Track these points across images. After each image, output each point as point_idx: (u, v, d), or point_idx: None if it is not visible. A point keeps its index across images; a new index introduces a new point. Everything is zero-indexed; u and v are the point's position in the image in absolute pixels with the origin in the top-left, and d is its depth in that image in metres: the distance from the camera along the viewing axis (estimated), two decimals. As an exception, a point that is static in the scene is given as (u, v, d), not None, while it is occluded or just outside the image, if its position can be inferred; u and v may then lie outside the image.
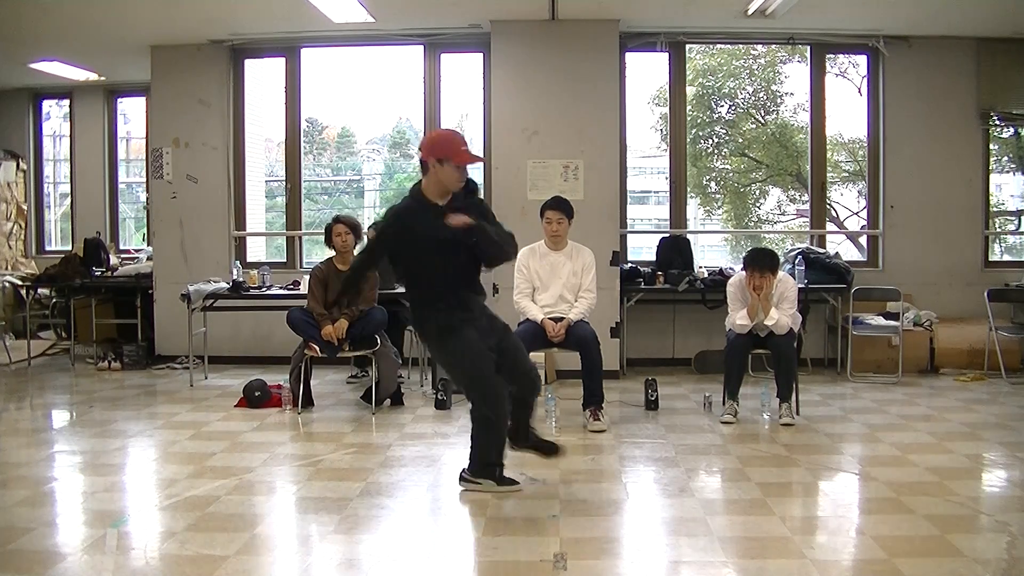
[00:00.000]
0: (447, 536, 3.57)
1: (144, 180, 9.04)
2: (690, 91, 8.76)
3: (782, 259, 6.83)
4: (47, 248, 9.60)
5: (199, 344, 6.94)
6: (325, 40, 7.72)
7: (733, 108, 10.55)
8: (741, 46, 9.75)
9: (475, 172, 8.72)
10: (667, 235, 7.53)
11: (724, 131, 10.60)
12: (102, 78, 8.64)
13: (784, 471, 4.39)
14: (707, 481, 4.32)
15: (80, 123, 9.26)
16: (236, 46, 7.66)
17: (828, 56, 7.84)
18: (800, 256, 7.04)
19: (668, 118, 7.88)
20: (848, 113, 9.58)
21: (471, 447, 4.02)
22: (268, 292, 6.80)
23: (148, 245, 8.60)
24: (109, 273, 8.00)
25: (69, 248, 8.92)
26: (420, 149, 3.93)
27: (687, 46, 7.80)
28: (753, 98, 10.59)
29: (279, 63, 7.89)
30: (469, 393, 4.04)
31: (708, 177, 10.67)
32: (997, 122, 7.59)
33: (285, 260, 7.99)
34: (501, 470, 4.01)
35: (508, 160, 7.00)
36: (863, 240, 8.19)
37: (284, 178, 8.02)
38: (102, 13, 6.64)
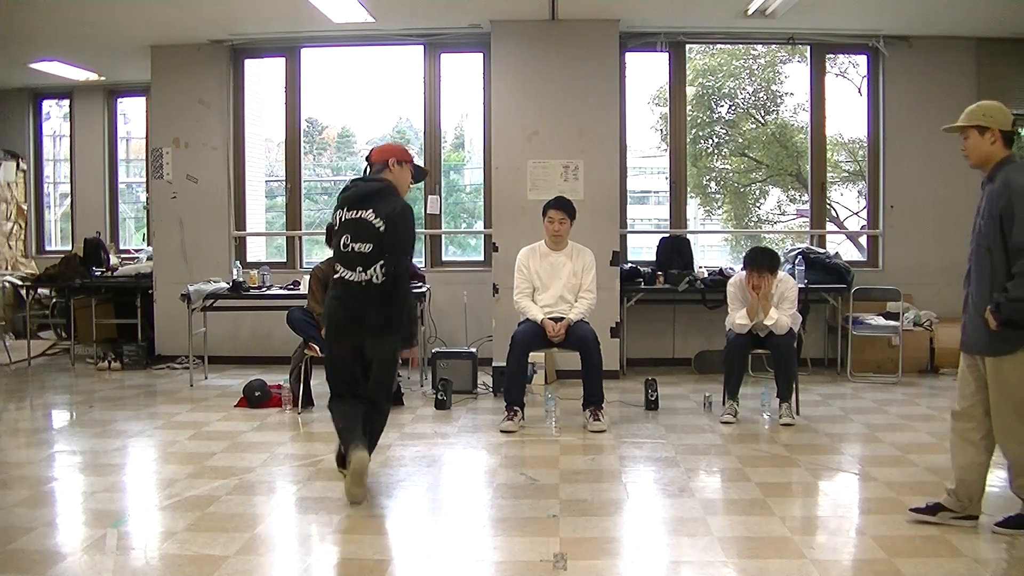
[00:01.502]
0: (447, 536, 3.56)
1: (144, 180, 9.04)
2: (690, 91, 8.76)
3: (782, 259, 6.83)
4: (47, 248, 9.60)
5: (199, 344, 6.94)
6: (325, 40, 7.72)
7: (733, 108, 10.55)
8: (741, 46, 9.75)
9: (475, 172, 8.78)
10: (667, 235, 7.53)
11: (724, 131, 10.60)
12: (102, 78, 8.64)
13: (784, 471, 4.39)
14: (707, 481, 4.33)
15: (80, 123, 9.26)
16: (236, 46, 7.66)
17: (828, 56, 7.84)
18: (800, 256, 7.04)
19: (668, 118, 7.88)
20: (848, 113, 9.57)
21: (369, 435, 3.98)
22: (268, 292, 6.80)
23: (148, 245, 8.60)
24: (109, 273, 7.99)
25: (69, 248, 8.92)
26: (375, 153, 4.11)
27: (687, 46, 7.80)
28: (753, 98, 10.59)
29: (279, 63, 7.89)
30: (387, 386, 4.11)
31: (708, 177, 10.66)
32: (997, 122, 7.58)
33: (285, 260, 7.98)
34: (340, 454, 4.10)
35: (508, 160, 6.99)
36: (863, 240, 8.19)
37: (284, 178, 8.02)
38: (102, 13, 6.64)
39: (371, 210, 3.87)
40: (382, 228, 3.85)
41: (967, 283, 3.49)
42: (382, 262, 3.84)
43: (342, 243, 3.92)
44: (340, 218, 3.97)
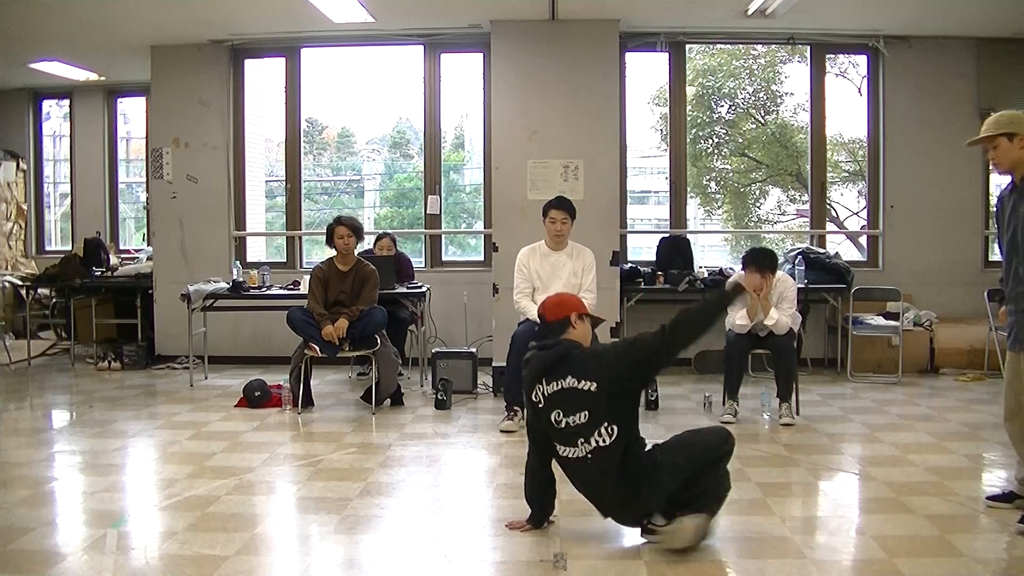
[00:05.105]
0: (447, 536, 3.56)
1: (144, 180, 9.04)
2: (690, 91, 8.76)
3: (781, 259, 6.83)
4: (47, 248, 9.60)
5: (199, 344, 6.94)
6: (325, 40, 7.72)
7: (733, 108, 10.54)
8: (741, 46, 9.74)
9: (475, 172, 8.78)
10: (667, 235, 7.53)
11: (724, 131, 10.60)
12: (102, 78, 8.64)
13: (784, 471, 4.39)
14: (707, 481, 4.32)
15: (80, 123, 9.26)
16: (236, 46, 7.66)
17: (828, 56, 7.84)
18: (800, 256, 7.04)
19: (668, 118, 7.88)
20: (848, 113, 9.56)
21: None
22: (268, 292, 6.79)
23: (148, 245, 8.60)
24: (109, 273, 7.99)
25: (69, 248, 8.91)
26: (550, 311, 3.58)
27: (687, 46, 7.81)
28: (753, 98, 10.58)
29: (279, 63, 7.89)
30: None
31: (708, 177, 10.66)
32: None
33: (285, 260, 7.99)
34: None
35: (508, 160, 6.99)
36: (863, 240, 8.19)
37: (284, 178, 8.03)
38: (102, 13, 6.64)
39: (570, 376, 3.34)
40: (593, 389, 3.32)
41: (1006, 284, 3.58)
42: (605, 423, 3.30)
43: (553, 420, 3.36)
44: (541, 394, 3.38)
